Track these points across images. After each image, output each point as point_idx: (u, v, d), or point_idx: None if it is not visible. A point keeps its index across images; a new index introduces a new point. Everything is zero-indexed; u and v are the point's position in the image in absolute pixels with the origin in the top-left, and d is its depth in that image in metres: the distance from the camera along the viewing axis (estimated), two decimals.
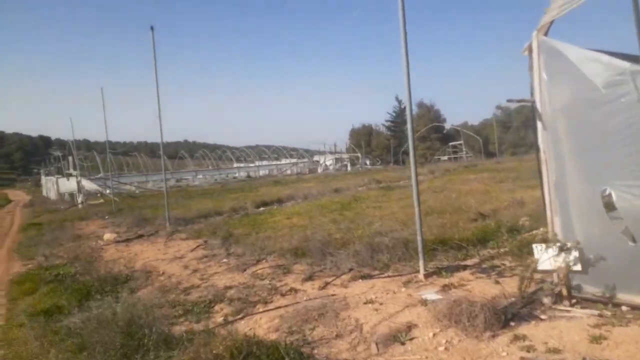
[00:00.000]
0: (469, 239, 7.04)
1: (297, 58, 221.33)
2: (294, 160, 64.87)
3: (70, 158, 31.36)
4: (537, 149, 4.64)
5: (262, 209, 16.38)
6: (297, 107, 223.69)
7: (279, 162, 66.04)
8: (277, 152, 70.94)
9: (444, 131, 72.60)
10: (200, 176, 53.05)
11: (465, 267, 5.95)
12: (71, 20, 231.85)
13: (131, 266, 9.02)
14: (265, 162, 67.79)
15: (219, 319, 5.52)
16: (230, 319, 5.46)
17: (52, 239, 14.98)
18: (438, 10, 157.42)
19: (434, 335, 3.97)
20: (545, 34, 4.56)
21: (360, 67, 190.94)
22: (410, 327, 4.12)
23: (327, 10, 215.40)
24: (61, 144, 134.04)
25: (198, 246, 10.30)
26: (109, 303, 6.27)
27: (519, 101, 4.86)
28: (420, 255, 5.73)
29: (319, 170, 60.69)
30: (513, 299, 4.38)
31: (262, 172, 59.61)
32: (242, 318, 5.43)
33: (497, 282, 4.75)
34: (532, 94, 4.68)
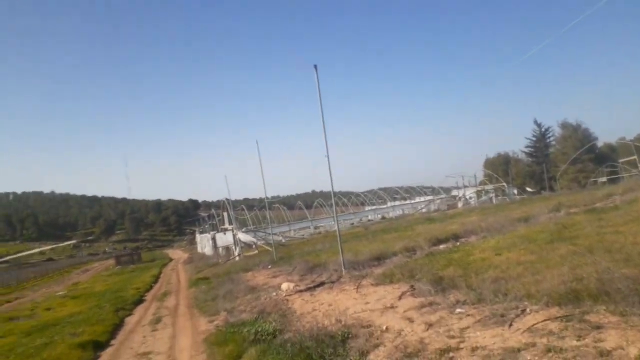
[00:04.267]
0: None
1: (417, 92, 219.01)
2: (429, 197, 61.40)
3: (225, 214, 32.86)
4: None
5: (442, 246, 14.17)
6: (423, 143, 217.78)
7: (413, 201, 63.09)
8: (410, 192, 68.08)
9: (596, 151, 63.62)
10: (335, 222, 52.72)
11: None
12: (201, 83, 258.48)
13: (338, 320, 7.48)
14: (397, 203, 65.41)
15: None
16: None
17: (227, 292, 14.54)
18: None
19: None
20: None
21: (488, 93, 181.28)
22: None
23: (454, 40, 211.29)
24: (206, 205, 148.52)
25: (404, 293, 8.48)
26: None
27: None
28: None
29: (459, 205, 56.33)
30: None
31: (396, 213, 57.28)
32: None
33: None
34: None
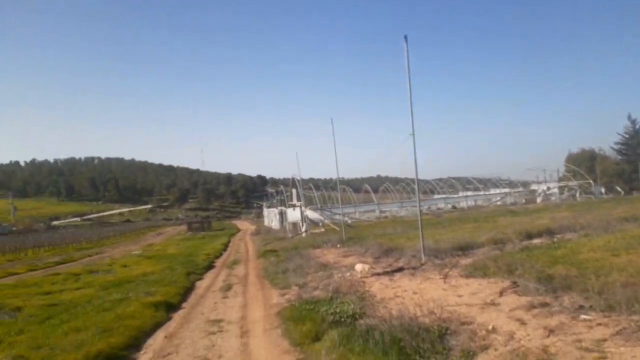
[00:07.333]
0: None
1: (496, 78, 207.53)
2: (505, 190, 57.75)
3: (293, 191, 32.79)
4: None
5: (536, 241, 12.73)
6: (500, 133, 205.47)
7: (487, 193, 59.71)
8: (484, 183, 64.44)
9: None
10: (403, 207, 51.07)
11: None
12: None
13: (432, 311, 6.62)
14: (470, 193, 62.23)
15: None
16: None
17: (297, 267, 14.10)
18: None
19: None
20: None
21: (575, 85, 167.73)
22: None
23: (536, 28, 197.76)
24: (273, 181, 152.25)
25: (505, 289, 7.42)
26: None
27: None
28: None
29: (538, 200, 52.55)
30: None
31: (468, 203, 54.53)
32: None
33: None
34: None
